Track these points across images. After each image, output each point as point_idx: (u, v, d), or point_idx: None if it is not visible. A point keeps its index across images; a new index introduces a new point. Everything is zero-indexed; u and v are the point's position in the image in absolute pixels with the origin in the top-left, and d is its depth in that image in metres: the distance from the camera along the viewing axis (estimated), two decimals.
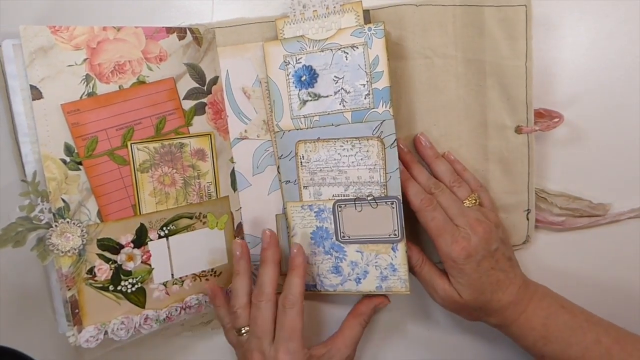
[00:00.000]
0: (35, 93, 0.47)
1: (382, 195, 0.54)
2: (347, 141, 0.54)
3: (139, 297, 0.52)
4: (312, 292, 0.58)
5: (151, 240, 0.53)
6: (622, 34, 0.57)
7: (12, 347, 0.47)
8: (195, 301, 0.55)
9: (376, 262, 0.55)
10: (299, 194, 0.57)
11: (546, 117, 0.56)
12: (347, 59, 0.53)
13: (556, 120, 0.55)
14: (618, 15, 0.56)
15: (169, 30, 0.53)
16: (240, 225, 0.59)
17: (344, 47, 0.53)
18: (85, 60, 0.49)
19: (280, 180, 0.58)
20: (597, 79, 0.57)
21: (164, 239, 0.53)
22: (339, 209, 0.56)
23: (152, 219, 0.53)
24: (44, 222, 0.48)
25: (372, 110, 0.53)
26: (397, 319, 0.63)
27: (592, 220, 0.59)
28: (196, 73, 0.55)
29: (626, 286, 0.60)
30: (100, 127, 0.50)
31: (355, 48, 0.53)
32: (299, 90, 0.55)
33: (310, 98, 0.55)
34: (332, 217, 0.56)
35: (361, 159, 0.54)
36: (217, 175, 0.56)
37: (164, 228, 0.53)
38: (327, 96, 0.54)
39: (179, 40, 0.54)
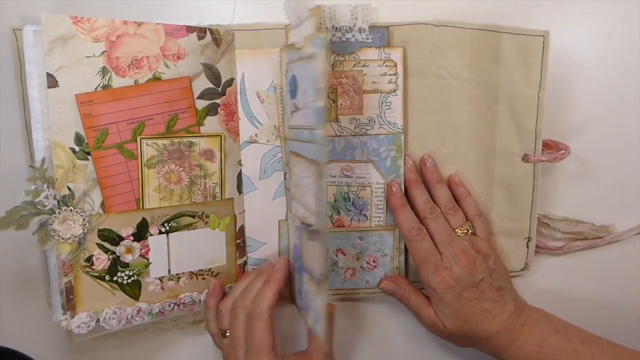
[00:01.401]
0: (51, 81, 0.48)
1: (316, 229, 0.48)
2: (305, 160, 0.51)
3: (133, 289, 0.53)
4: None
5: (151, 235, 0.53)
6: (622, 34, 0.57)
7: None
8: (189, 299, 0.55)
9: (311, 301, 0.51)
10: (290, 203, 0.57)
11: (553, 148, 0.56)
12: (308, 71, 0.48)
13: (563, 152, 0.54)
14: (618, 15, 0.56)
15: (189, 29, 0.54)
16: (242, 227, 0.59)
17: (308, 57, 0.48)
18: (103, 52, 0.50)
19: (285, 187, 0.58)
20: (596, 80, 0.57)
21: (164, 235, 0.54)
22: (300, 232, 0.54)
23: (154, 215, 0.53)
24: (47, 208, 0.48)
25: (314, 131, 0.47)
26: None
27: (590, 242, 0.59)
28: (212, 74, 0.55)
29: (628, 306, 0.60)
30: (111, 120, 0.51)
31: (312, 59, 0.47)
32: (290, 100, 0.54)
33: (294, 109, 0.53)
34: (300, 235, 0.54)
35: (310, 183, 0.49)
36: (223, 176, 0.57)
37: (166, 224, 0.54)
38: (300, 109, 0.52)
39: (198, 40, 0.54)
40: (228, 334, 0.53)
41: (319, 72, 0.44)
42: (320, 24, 0.50)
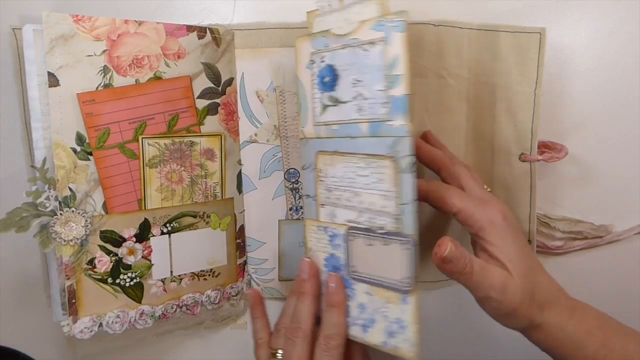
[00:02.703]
0: (52, 80, 0.47)
1: (395, 230, 0.44)
2: (362, 158, 0.46)
3: (136, 292, 0.52)
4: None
5: (153, 236, 0.52)
6: (622, 34, 0.57)
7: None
8: (191, 300, 0.55)
9: (385, 312, 0.45)
10: (316, 211, 0.50)
11: (552, 149, 0.56)
12: (366, 58, 0.44)
13: (560, 152, 0.55)
14: (618, 15, 0.57)
15: (190, 28, 0.53)
16: (242, 227, 0.59)
17: (364, 44, 0.44)
18: (104, 51, 0.49)
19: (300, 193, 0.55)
20: (596, 79, 0.58)
21: (166, 235, 0.53)
22: (350, 238, 0.47)
23: (156, 215, 0.52)
24: (49, 209, 0.47)
25: (388, 122, 0.43)
26: None
27: (590, 242, 0.60)
28: (212, 73, 0.55)
29: (627, 306, 0.60)
30: (113, 119, 0.50)
31: (374, 44, 0.43)
32: (322, 93, 0.48)
33: (330, 103, 0.47)
34: (344, 245, 0.48)
35: (374, 182, 0.45)
36: (224, 176, 0.56)
37: (167, 225, 0.53)
38: (346, 102, 0.46)
39: (199, 39, 0.54)
40: (279, 355, 0.48)
41: (394, 58, 0.42)
42: (382, 4, 0.44)
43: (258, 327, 0.53)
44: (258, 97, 0.58)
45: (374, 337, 0.46)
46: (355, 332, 0.47)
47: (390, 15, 0.42)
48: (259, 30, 0.57)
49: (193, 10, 0.57)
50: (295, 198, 0.59)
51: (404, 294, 0.44)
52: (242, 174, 0.59)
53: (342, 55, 0.46)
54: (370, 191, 0.45)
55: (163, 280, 0.53)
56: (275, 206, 0.59)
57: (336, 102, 0.47)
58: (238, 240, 0.59)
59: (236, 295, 0.58)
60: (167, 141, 0.53)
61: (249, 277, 0.60)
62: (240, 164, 0.58)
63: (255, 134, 0.58)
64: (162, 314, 0.53)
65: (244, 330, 0.62)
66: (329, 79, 0.47)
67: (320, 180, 0.49)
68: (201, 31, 0.54)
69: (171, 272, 0.54)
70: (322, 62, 0.47)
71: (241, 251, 0.59)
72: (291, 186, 0.59)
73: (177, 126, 0.53)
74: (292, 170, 0.59)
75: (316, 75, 0.48)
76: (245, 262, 0.60)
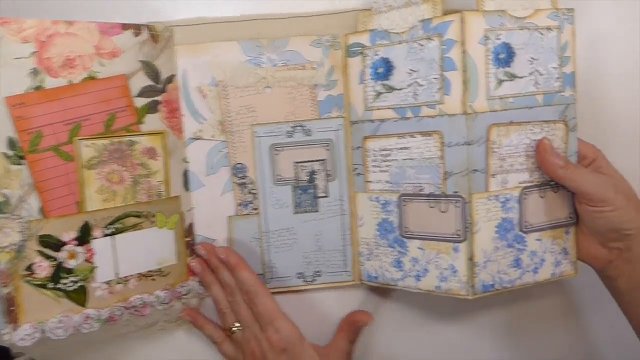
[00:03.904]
0: None
1: None
2: (536, 124, 0.53)
3: (79, 296, 0.51)
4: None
5: (95, 238, 0.52)
6: (622, 34, 0.58)
7: None
8: (139, 301, 0.54)
9: (552, 249, 0.55)
10: (486, 183, 0.52)
11: None
12: (542, 41, 0.53)
13: None
14: (618, 15, 0.57)
15: (124, 26, 0.52)
16: (191, 225, 0.58)
17: (540, 28, 0.53)
18: (33, 53, 0.48)
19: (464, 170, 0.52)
20: (596, 79, 0.59)
21: (109, 237, 0.52)
22: (524, 197, 0.54)
23: (97, 217, 0.52)
24: None
25: (560, 93, 0.54)
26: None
27: None
28: (151, 70, 0.54)
29: None
30: (46, 122, 0.49)
31: (550, 30, 0.53)
32: (497, 68, 0.52)
33: (506, 78, 0.52)
34: (517, 205, 0.54)
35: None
36: (168, 174, 0.56)
37: (110, 226, 0.52)
38: (522, 77, 0.52)
39: (135, 36, 0.53)
40: (234, 328, 0.56)
41: (565, 43, 0.54)
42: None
43: (210, 331, 0.59)
44: (201, 92, 0.57)
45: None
46: (528, 279, 0.55)
47: (562, 9, 0.53)
48: (199, 26, 0.56)
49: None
50: (243, 193, 0.59)
51: (568, 227, 0.56)
52: (189, 172, 0.58)
53: (519, 35, 0.52)
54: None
55: (108, 283, 0.53)
56: (225, 202, 0.59)
57: (512, 77, 0.52)
58: (188, 239, 0.58)
59: (187, 294, 0.58)
60: (106, 141, 0.52)
61: None
62: (186, 162, 0.58)
63: (200, 130, 0.58)
64: (109, 316, 0.52)
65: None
66: (505, 56, 0.52)
67: (493, 152, 0.52)
68: (137, 29, 0.53)
69: (116, 273, 0.53)
70: (498, 39, 0.52)
71: (192, 249, 0.59)
72: (239, 181, 0.58)
73: (114, 126, 0.52)
74: (240, 165, 0.58)
75: (491, 52, 0.51)
76: None
